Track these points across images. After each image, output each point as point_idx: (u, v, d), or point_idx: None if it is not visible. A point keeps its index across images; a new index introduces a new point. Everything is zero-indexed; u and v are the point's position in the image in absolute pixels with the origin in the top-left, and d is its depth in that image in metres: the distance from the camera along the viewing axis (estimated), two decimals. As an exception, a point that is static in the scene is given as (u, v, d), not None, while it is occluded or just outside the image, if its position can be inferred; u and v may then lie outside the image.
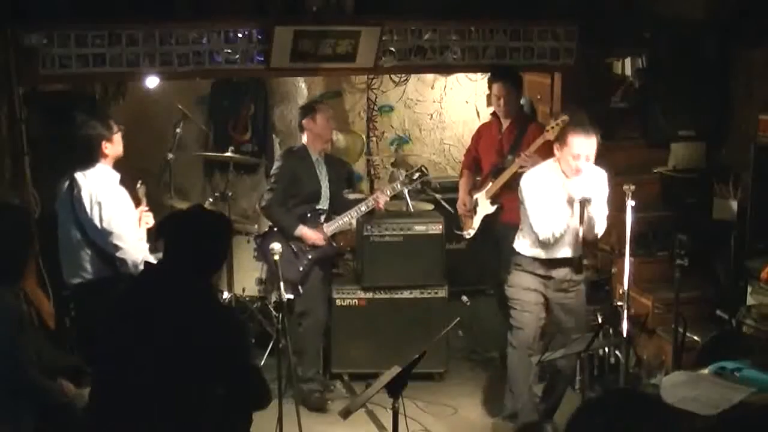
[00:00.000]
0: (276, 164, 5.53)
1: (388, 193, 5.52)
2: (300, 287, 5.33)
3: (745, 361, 4.02)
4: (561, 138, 4.61)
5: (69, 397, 3.78)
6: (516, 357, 4.91)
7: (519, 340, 4.88)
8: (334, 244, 5.55)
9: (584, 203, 4.57)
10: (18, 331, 3.60)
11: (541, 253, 4.77)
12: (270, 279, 5.76)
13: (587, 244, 4.94)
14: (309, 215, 5.42)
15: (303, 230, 5.34)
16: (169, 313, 3.06)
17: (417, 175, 5.54)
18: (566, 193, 4.60)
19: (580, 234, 4.72)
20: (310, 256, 5.39)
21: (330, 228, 5.45)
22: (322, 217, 5.47)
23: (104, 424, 3.12)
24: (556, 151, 4.64)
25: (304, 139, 5.48)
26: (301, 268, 5.35)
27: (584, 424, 2.03)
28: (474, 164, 5.83)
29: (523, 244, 4.86)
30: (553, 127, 5.08)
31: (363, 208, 5.45)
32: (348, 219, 5.49)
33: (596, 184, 4.60)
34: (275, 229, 5.44)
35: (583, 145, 4.50)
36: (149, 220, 5.01)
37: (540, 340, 4.89)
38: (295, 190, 5.40)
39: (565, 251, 4.76)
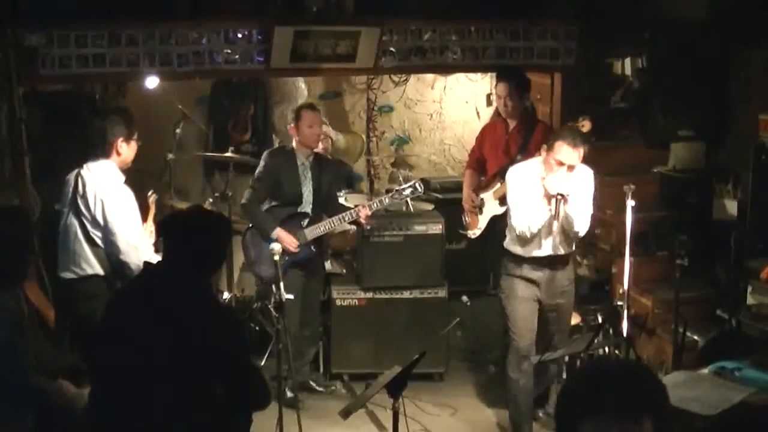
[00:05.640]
0: (261, 164, 5.46)
1: (375, 206, 5.42)
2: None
3: (745, 361, 4.02)
4: (550, 142, 4.54)
5: (69, 397, 3.78)
6: (512, 366, 4.84)
7: (513, 348, 4.82)
8: (314, 249, 5.43)
9: (560, 199, 4.47)
10: (18, 334, 3.60)
11: (519, 250, 4.71)
12: (248, 267, 5.71)
13: (574, 243, 4.82)
14: (290, 217, 5.37)
15: (280, 232, 5.26)
16: (168, 313, 3.06)
17: (408, 191, 5.42)
18: (543, 188, 4.54)
19: (554, 229, 4.62)
20: (287, 258, 5.23)
21: (311, 233, 5.37)
22: (306, 221, 5.41)
23: (104, 425, 3.13)
24: (542, 152, 4.58)
25: (294, 142, 5.45)
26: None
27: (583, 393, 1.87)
28: (478, 165, 5.81)
29: (508, 241, 4.82)
30: None
31: (347, 218, 5.35)
32: (330, 225, 5.39)
33: (578, 181, 4.54)
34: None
35: (568, 155, 4.44)
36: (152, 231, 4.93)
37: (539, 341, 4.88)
38: (276, 191, 5.37)
39: (544, 249, 4.68)
